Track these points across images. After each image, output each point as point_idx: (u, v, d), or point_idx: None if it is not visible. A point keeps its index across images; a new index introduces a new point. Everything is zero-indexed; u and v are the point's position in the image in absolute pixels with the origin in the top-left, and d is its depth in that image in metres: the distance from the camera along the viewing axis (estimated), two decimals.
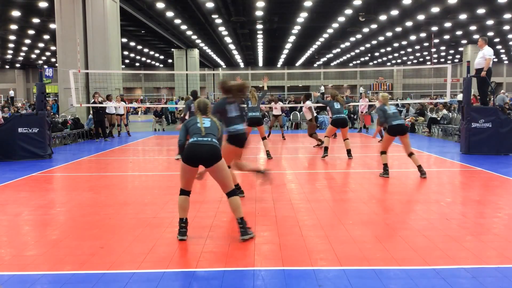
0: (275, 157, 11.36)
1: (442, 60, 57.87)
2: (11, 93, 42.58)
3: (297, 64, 60.93)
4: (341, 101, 10.90)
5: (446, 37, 38.51)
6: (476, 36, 34.68)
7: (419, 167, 8.10)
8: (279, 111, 17.40)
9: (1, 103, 39.20)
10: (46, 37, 35.41)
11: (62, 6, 17.99)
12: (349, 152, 10.68)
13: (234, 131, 5.95)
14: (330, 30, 34.11)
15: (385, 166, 8.29)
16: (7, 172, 9.17)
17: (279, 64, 61.53)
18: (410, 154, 8.17)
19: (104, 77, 17.61)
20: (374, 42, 40.99)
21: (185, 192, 4.88)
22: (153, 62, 60.04)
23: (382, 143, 8.57)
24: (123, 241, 4.74)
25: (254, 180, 8.12)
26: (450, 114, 17.64)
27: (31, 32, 34.17)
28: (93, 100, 16.42)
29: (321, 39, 38.77)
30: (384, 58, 58.02)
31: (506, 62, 60.22)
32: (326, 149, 10.78)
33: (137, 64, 60.71)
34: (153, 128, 22.05)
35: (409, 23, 30.94)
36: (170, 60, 52.06)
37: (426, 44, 41.65)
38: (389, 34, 36.08)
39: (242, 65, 60.52)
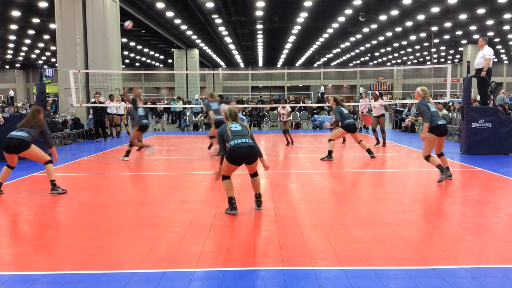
0: (275, 157, 11.36)
1: (442, 60, 57.88)
2: (11, 93, 42.58)
3: (297, 64, 60.96)
4: (346, 106, 10.98)
5: (446, 37, 38.51)
6: (476, 36, 34.70)
7: (447, 168, 7.82)
8: (287, 116, 14.43)
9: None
10: (46, 37, 35.41)
11: (62, 6, 17.99)
12: (369, 151, 10.68)
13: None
14: (330, 30, 34.12)
15: (440, 167, 7.59)
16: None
17: (279, 64, 61.54)
18: (441, 154, 7.92)
19: (104, 77, 17.61)
20: (374, 42, 40.99)
21: (228, 177, 5.75)
22: (153, 62, 60.07)
23: (426, 146, 7.59)
24: (123, 241, 4.74)
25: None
26: (450, 114, 17.63)
27: (31, 32, 34.17)
28: (93, 99, 16.42)
29: (321, 39, 38.77)
30: (384, 58, 58.03)
31: (506, 62, 60.23)
32: (330, 153, 10.51)
33: (137, 64, 60.74)
34: (153, 128, 22.07)
35: (409, 23, 30.94)
36: (170, 60, 52.09)
37: (426, 44, 41.65)
38: (389, 34, 36.09)
39: (242, 65, 60.54)
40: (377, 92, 14.62)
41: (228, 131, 5.70)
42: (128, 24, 12.73)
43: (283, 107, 14.33)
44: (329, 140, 10.64)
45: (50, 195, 6.97)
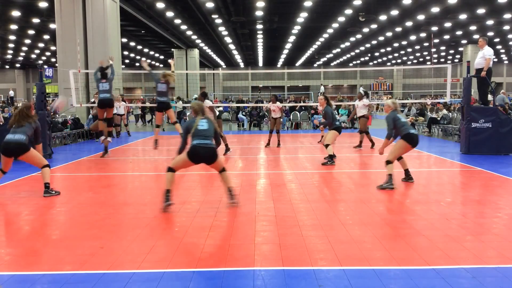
0: (275, 158, 11.36)
1: (442, 60, 57.89)
2: (11, 93, 42.53)
3: (297, 64, 60.96)
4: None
5: (446, 37, 38.51)
6: (476, 36, 34.70)
7: (407, 170, 7.77)
8: (278, 113, 13.53)
9: None
10: (46, 37, 35.42)
11: (62, 6, 18.00)
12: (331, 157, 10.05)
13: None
14: (330, 30, 34.13)
15: (390, 176, 7.27)
16: (7, 172, 9.15)
17: (279, 64, 61.54)
18: (400, 158, 7.71)
19: None
20: (374, 42, 41.00)
21: (174, 171, 6.02)
22: (153, 62, 60.03)
23: (395, 151, 7.36)
24: (123, 241, 4.74)
25: (254, 180, 8.14)
26: (450, 114, 17.64)
27: (31, 32, 34.18)
28: (93, 99, 16.42)
29: (321, 39, 38.78)
30: (384, 58, 58.03)
31: (506, 62, 60.24)
32: (332, 157, 9.93)
33: (137, 64, 60.71)
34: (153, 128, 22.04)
35: (409, 23, 30.95)
36: (170, 60, 52.03)
37: (426, 44, 41.66)
38: (389, 34, 36.09)
39: (242, 65, 60.54)
40: (361, 91, 13.95)
41: (194, 128, 5.91)
42: (57, 104, 12.54)
43: (273, 104, 13.52)
44: (326, 145, 9.96)
45: (51, 196, 6.96)
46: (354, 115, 13.88)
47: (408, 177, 7.78)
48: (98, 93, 11.08)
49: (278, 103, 13.67)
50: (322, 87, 35.74)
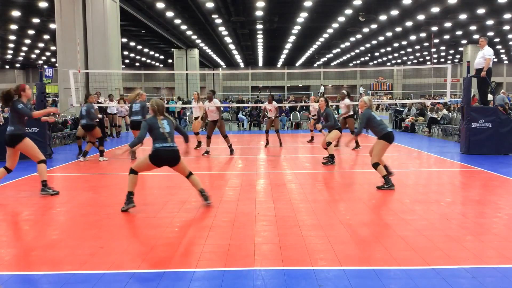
0: (275, 157, 11.36)
1: (442, 60, 57.91)
2: None
3: (297, 64, 60.98)
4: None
5: (446, 37, 38.53)
6: (476, 36, 34.72)
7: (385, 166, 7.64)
8: (274, 113, 13.60)
9: None
10: (46, 37, 35.44)
11: (62, 6, 18.02)
12: (332, 157, 9.90)
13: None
14: (330, 30, 34.14)
15: (385, 177, 7.26)
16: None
17: (279, 64, 61.56)
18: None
19: (104, 77, 17.62)
20: (374, 42, 41.01)
21: (136, 173, 5.99)
22: (153, 62, 60.09)
23: (379, 152, 7.35)
24: (123, 241, 4.74)
25: (254, 180, 8.14)
26: (450, 114, 17.65)
27: (31, 32, 34.20)
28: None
29: (321, 39, 38.79)
30: (384, 58, 58.05)
31: (506, 62, 60.26)
32: (333, 156, 9.88)
33: (137, 64, 60.75)
34: None
35: (409, 23, 30.97)
36: (170, 60, 52.11)
37: (426, 44, 41.68)
38: (389, 34, 36.10)
39: (242, 65, 60.55)
40: (344, 91, 13.79)
41: (158, 130, 5.83)
42: None
43: (269, 103, 13.51)
44: (328, 143, 9.88)
45: (51, 195, 6.95)
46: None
47: (388, 173, 7.52)
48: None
49: (274, 102, 13.78)
50: (322, 87, 35.76)
